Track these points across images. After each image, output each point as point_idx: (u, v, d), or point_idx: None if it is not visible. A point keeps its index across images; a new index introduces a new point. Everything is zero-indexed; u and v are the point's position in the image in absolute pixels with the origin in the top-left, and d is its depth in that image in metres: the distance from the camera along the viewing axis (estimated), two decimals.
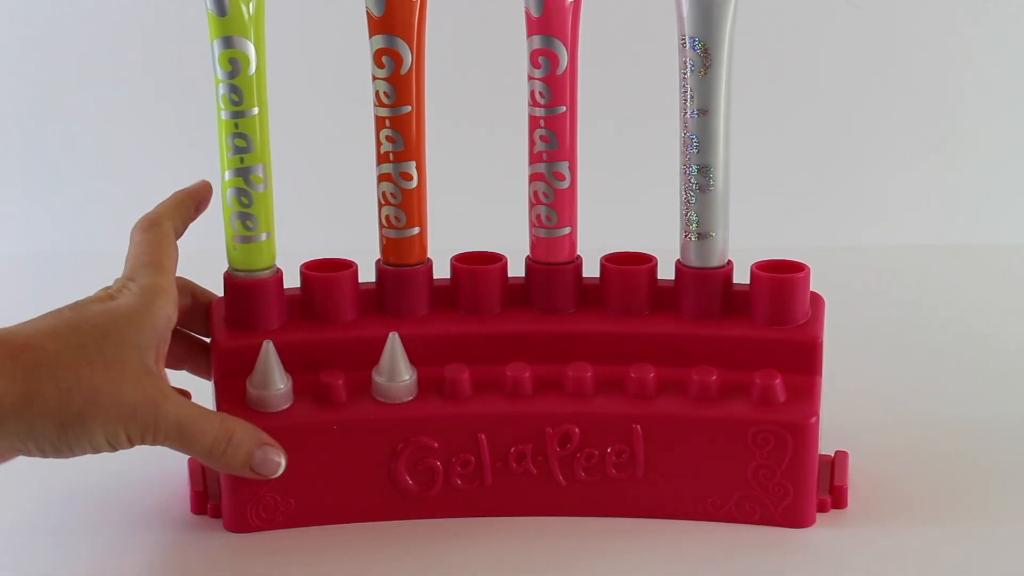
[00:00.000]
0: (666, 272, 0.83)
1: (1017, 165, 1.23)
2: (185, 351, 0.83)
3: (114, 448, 0.73)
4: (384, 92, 0.79)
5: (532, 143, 0.81)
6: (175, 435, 0.73)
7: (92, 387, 0.71)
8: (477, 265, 0.83)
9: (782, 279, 0.81)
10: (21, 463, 0.87)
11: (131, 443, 0.73)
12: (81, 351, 0.71)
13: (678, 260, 0.82)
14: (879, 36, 1.21)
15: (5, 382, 0.69)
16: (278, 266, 0.82)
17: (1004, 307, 1.09)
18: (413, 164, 0.81)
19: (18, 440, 0.71)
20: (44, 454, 0.72)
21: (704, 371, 0.80)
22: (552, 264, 0.82)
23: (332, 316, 0.82)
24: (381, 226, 0.82)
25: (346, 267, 0.82)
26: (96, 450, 0.72)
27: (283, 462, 0.77)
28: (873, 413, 0.92)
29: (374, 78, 0.79)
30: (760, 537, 0.80)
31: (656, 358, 0.81)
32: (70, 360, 0.71)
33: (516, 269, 0.83)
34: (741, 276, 0.82)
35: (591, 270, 0.83)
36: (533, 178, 0.82)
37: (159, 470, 0.85)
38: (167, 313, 0.76)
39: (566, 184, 0.82)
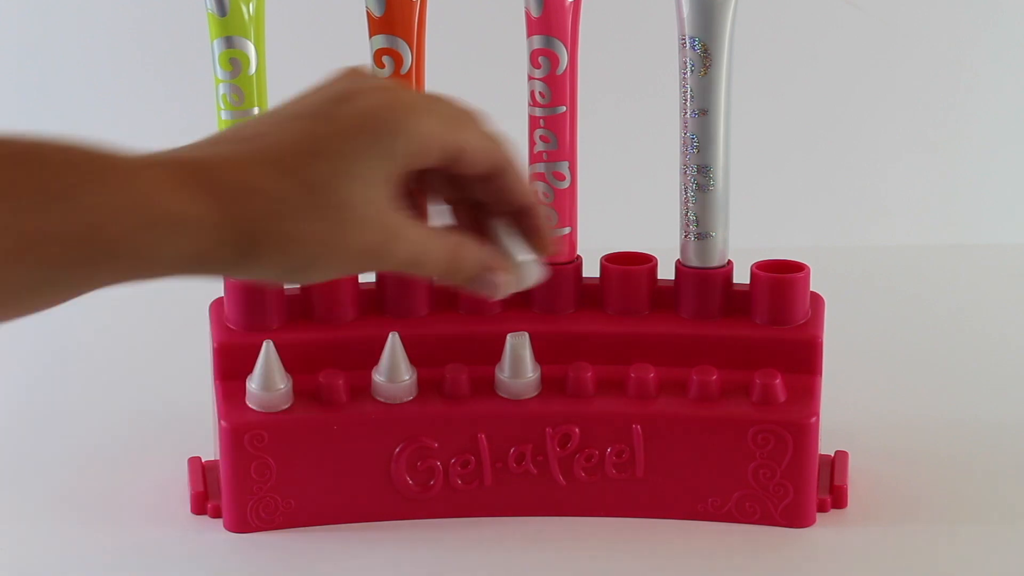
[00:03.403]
0: (666, 272, 0.83)
1: (1017, 165, 1.23)
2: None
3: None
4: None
5: (532, 143, 0.81)
6: (404, 268, 0.63)
7: (318, 242, 0.60)
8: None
9: (782, 279, 0.81)
10: (20, 463, 0.87)
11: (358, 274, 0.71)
12: (310, 195, 0.59)
13: (678, 260, 0.82)
14: (879, 36, 1.21)
15: (215, 238, 0.58)
16: None
17: (1004, 307, 1.09)
18: None
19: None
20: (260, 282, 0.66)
21: (704, 371, 0.80)
22: (552, 264, 0.82)
23: (332, 316, 0.82)
24: None
25: None
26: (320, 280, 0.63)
27: (504, 285, 0.66)
28: (873, 413, 0.92)
29: None
30: (760, 537, 0.80)
31: (656, 358, 0.81)
32: (294, 210, 0.59)
33: None
34: (741, 276, 0.82)
35: (591, 270, 0.83)
36: (533, 178, 0.82)
37: (159, 470, 0.85)
38: (432, 132, 0.62)
39: (566, 184, 0.82)
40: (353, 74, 0.64)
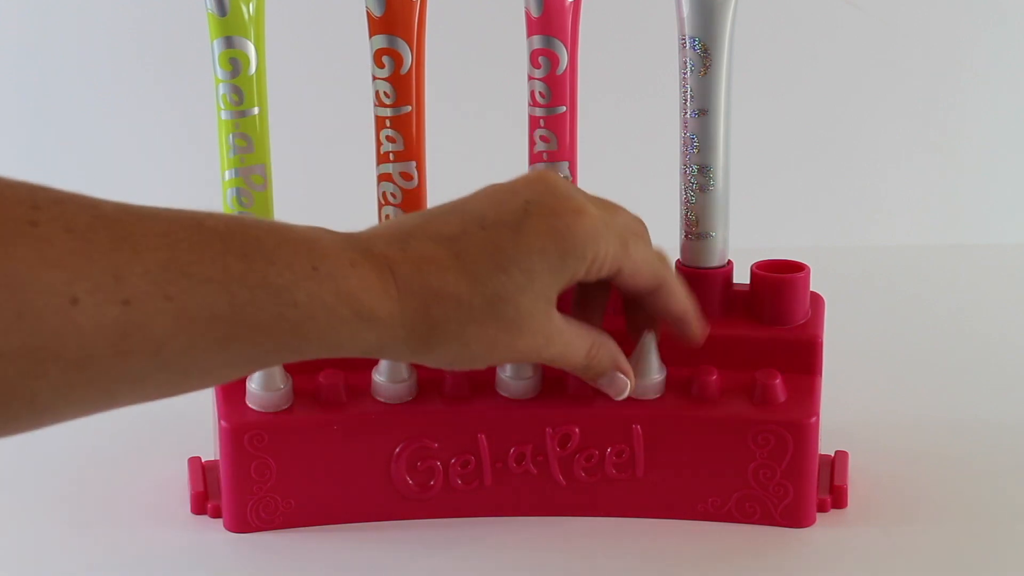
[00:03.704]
0: None
1: (1017, 165, 1.23)
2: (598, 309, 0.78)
3: None
4: (384, 92, 0.79)
5: (532, 143, 0.81)
6: (548, 362, 0.72)
7: (489, 344, 0.67)
8: None
9: (782, 279, 0.81)
10: (20, 463, 0.87)
11: None
12: (492, 306, 0.67)
13: (678, 260, 0.82)
14: (879, 36, 1.21)
15: (401, 335, 0.66)
16: None
17: (1004, 307, 1.09)
18: (413, 164, 0.81)
19: None
20: None
21: (704, 371, 0.80)
22: None
23: None
24: None
25: None
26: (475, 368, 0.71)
27: (627, 388, 0.76)
28: (873, 413, 0.92)
29: (374, 78, 0.79)
30: (760, 537, 0.80)
31: (661, 361, 0.81)
32: (476, 316, 0.67)
33: None
34: (741, 276, 0.82)
35: None
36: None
37: (159, 470, 0.85)
38: (607, 254, 0.70)
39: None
40: (543, 182, 0.69)
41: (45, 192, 0.57)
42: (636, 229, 0.73)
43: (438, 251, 0.67)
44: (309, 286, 0.61)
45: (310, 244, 0.63)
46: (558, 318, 0.70)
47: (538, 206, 0.68)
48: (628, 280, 0.72)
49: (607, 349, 0.74)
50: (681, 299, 0.76)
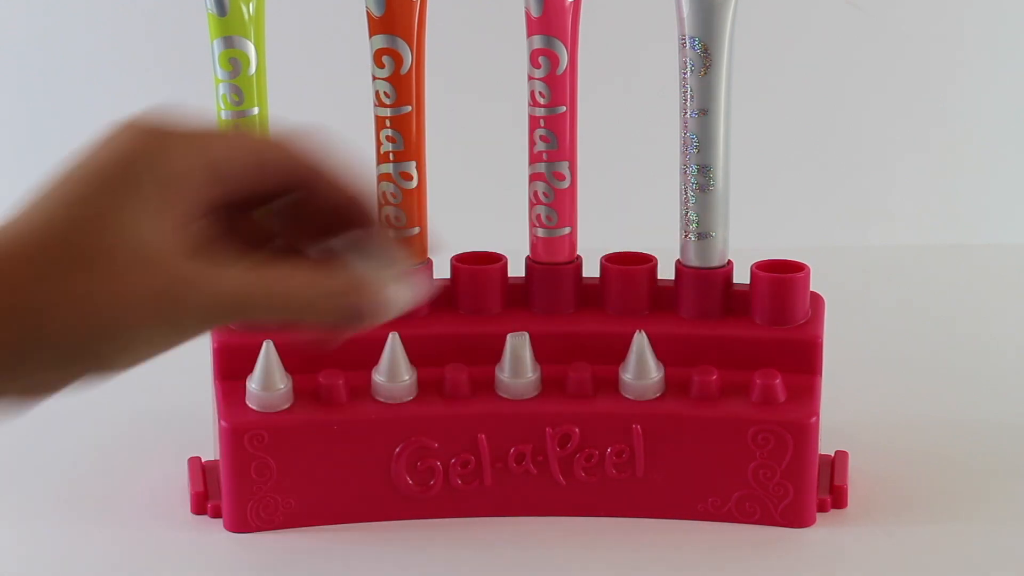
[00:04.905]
0: (666, 272, 0.83)
1: (1017, 165, 1.23)
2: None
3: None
4: (384, 92, 0.79)
5: (532, 143, 0.81)
6: (228, 317, 0.52)
7: (85, 299, 0.49)
8: (477, 265, 0.82)
9: (782, 279, 0.81)
10: (18, 462, 0.87)
11: (190, 340, 0.52)
12: (64, 247, 0.50)
13: (678, 260, 0.82)
14: (879, 36, 1.21)
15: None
16: None
17: (1004, 307, 1.08)
18: (413, 164, 0.81)
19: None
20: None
21: (704, 371, 0.80)
22: (552, 264, 0.82)
23: None
24: None
25: None
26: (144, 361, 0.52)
27: (371, 310, 0.53)
28: (873, 413, 0.92)
29: (374, 78, 0.79)
30: (760, 537, 0.80)
31: (656, 358, 0.81)
32: (37, 273, 0.49)
33: (516, 269, 0.83)
34: (741, 276, 0.82)
35: (591, 270, 0.83)
36: (533, 178, 0.82)
37: (159, 470, 0.85)
38: (187, 154, 0.52)
39: (566, 184, 0.82)
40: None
41: None
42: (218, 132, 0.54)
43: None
44: None
45: None
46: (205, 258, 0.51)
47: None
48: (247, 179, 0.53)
49: (311, 276, 0.52)
50: (349, 180, 0.55)
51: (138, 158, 0.52)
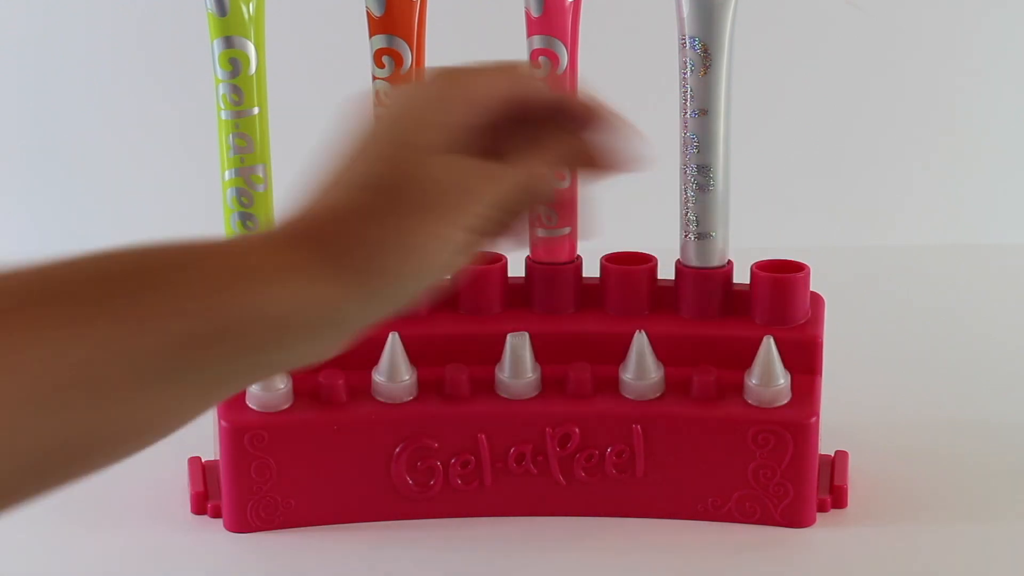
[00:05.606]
0: (666, 272, 0.83)
1: (1018, 165, 1.23)
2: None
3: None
4: (384, 92, 0.79)
5: None
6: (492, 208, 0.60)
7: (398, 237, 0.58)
8: (478, 265, 0.82)
9: (782, 279, 0.81)
10: None
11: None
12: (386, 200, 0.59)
13: (678, 260, 0.82)
14: (879, 36, 1.21)
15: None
16: None
17: (1004, 307, 1.09)
18: None
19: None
20: None
21: (704, 371, 0.80)
22: (552, 264, 0.82)
23: None
24: None
25: None
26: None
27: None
28: (873, 413, 0.92)
29: (374, 78, 0.79)
30: (760, 537, 0.80)
31: (656, 358, 0.81)
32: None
33: (516, 269, 0.83)
34: (741, 276, 0.82)
35: (591, 270, 0.83)
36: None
37: (159, 470, 0.85)
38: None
39: (566, 184, 0.81)
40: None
41: None
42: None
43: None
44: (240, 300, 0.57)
45: (236, 261, 0.57)
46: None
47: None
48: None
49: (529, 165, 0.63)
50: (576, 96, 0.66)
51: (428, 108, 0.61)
